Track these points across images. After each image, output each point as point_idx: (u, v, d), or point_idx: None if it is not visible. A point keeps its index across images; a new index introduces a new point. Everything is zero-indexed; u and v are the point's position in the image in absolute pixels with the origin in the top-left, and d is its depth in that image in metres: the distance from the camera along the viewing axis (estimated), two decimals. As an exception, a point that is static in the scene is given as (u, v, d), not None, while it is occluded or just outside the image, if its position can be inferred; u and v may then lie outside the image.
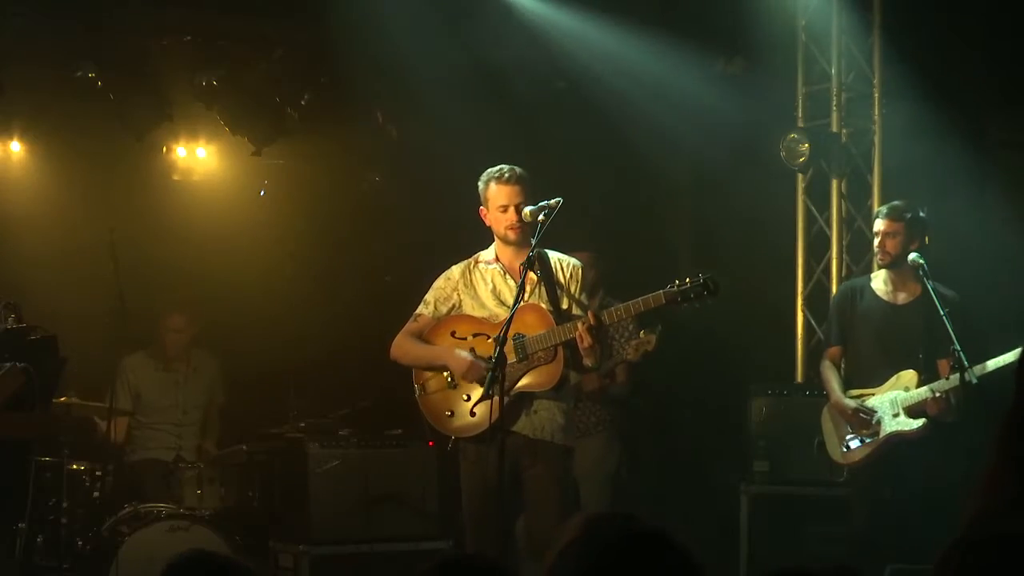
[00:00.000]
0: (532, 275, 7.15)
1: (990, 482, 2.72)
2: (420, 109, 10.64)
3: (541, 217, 7.05)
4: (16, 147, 10.99)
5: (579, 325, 6.90)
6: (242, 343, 10.82)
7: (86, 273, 9.85)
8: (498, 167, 7.32)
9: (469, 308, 7.35)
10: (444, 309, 7.39)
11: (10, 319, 7.74)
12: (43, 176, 10.96)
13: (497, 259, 7.39)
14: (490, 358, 6.82)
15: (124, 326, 9.06)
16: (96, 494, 9.05)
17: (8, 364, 7.65)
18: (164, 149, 11.41)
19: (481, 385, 6.92)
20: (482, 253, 7.47)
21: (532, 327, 7.10)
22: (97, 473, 9.08)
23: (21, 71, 10.04)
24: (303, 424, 9.84)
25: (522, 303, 6.99)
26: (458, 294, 7.38)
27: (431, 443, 9.34)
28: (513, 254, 7.31)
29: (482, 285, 7.36)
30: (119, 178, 11.04)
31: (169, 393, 10.26)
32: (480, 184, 7.36)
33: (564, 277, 7.34)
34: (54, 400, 8.64)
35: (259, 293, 11.08)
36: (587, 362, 7.12)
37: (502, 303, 7.26)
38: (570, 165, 10.00)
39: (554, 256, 7.38)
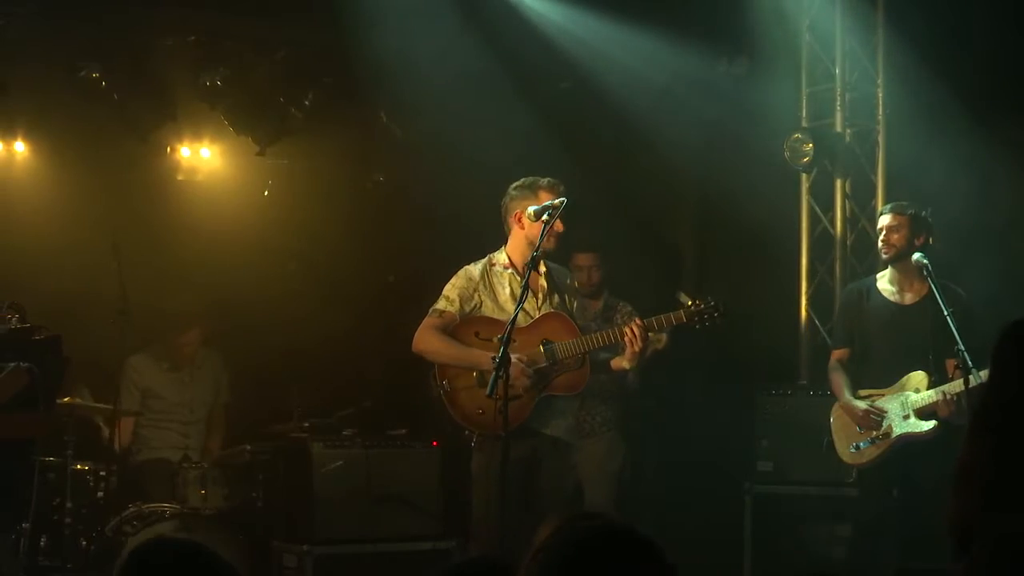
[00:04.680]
0: (543, 282, 7.48)
1: (965, 470, 2.72)
2: (424, 109, 10.65)
3: (545, 217, 7.14)
4: (20, 147, 10.97)
5: (630, 330, 7.29)
6: (246, 343, 10.82)
7: (90, 273, 9.83)
8: (541, 178, 7.52)
9: (489, 310, 7.54)
10: (468, 308, 7.54)
11: (14, 319, 7.72)
12: (47, 176, 10.94)
13: (511, 263, 7.57)
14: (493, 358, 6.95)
15: (128, 326, 9.06)
16: (100, 494, 9.05)
17: (12, 364, 7.63)
18: (168, 149, 11.39)
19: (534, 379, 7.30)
20: (495, 255, 7.64)
21: (559, 334, 7.41)
22: (101, 473, 9.08)
23: (25, 71, 10.04)
24: (307, 424, 9.84)
25: (547, 311, 7.49)
26: (479, 295, 7.55)
27: (435, 443, 9.36)
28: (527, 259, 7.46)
29: (500, 288, 7.57)
30: (123, 178, 11.02)
31: (176, 392, 10.25)
32: (524, 191, 7.52)
33: (563, 284, 7.69)
34: (58, 400, 8.62)
35: (263, 293, 11.07)
36: (629, 364, 7.53)
37: (521, 308, 7.34)
38: (574, 165, 9.98)
39: (554, 266, 7.67)
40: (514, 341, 7.25)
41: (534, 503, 7.50)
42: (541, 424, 7.46)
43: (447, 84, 10.12)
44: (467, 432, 7.58)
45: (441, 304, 7.55)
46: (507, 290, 7.55)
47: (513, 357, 7.19)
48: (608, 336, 7.41)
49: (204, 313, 10.41)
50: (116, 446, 9.23)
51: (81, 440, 8.99)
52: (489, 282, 7.58)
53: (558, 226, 7.38)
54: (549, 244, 7.42)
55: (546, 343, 7.40)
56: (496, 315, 7.50)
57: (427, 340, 7.54)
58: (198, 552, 2.77)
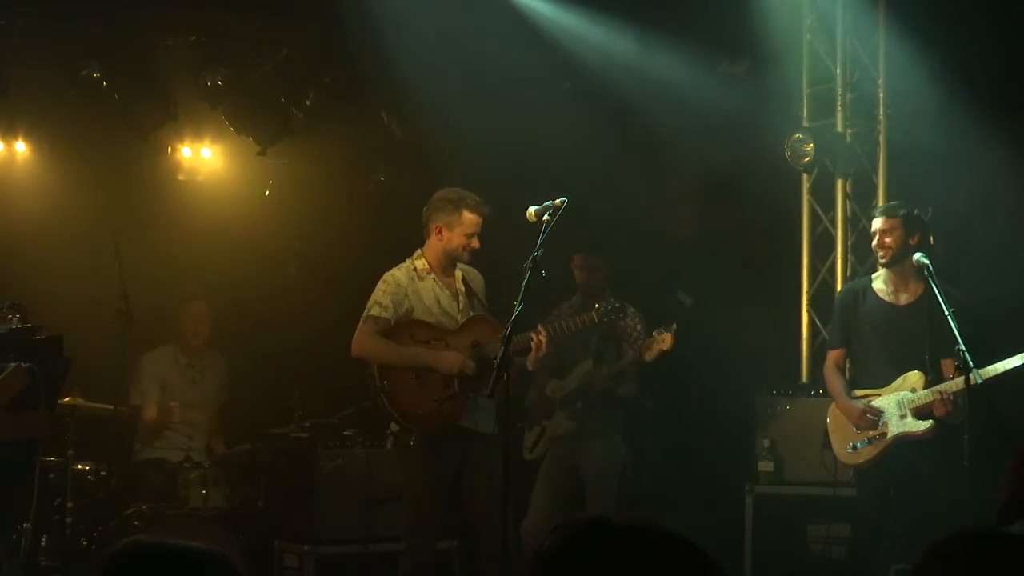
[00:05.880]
0: (460, 287, 7.88)
1: (1016, 473, 2.74)
2: (425, 109, 10.65)
3: (546, 217, 7.21)
4: (21, 147, 10.99)
5: (536, 336, 7.67)
6: (247, 343, 10.83)
7: (91, 273, 9.84)
8: (468, 194, 7.85)
9: (418, 314, 7.82)
10: (400, 312, 7.78)
11: (15, 319, 7.73)
12: (48, 176, 10.96)
13: (431, 268, 7.89)
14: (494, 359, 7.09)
15: (128, 325, 9.06)
16: (101, 494, 9.06)
17: (13, 364, 7.64)
18: (169, 149, 11.41)
19: (469, 379, 7.59)
20: (415, 260, 7.94)
21: (487, 336, 7.69)
22: (102, 473, 9.10)
23: (26, 71, 10.05)
24: (308, 424, 9.85)
25: (472, 314, 7.85)
26: (408, 300, 7.80)
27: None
28: (446, 266, 7.91)
29: (426, 293, 7.85)
30: (124, 178, 11.04)
31: (186, 391, 10.26)
32: (448, 205, 7.84)
33: (478, 287, 8.00)
34: (59, 400, 8.63)
35: (264, 293, 11.08)
36: (531, 366, 7.95)
37: (445, 311, 7.83)
38: (574, 165, 9.98)
39: (467, 269, 7.99)
40: (446, 343, 7.72)
41: (465, 501, 7.85)
42: (472, 423, 7.72)
43: (447, 84, 10.11)
44: (390, 431, 7.96)
45: (375, 311, 7.77)
46: (431, 294, 7.85)
47: (452, 353, 7.67)
48: (527, 339, 7.71)
49: (203, 289, 10.45)
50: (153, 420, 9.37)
51: (83, 440, 9.00)
52: (415, 287, 7.84)
53: (475, 243, 7.79)
54: (464, 257, 7.85)
55: (476, 345, 7.71)
56: (425, 318, 7.80)
57: (369, 345, 7.74)
58: (177, 554, 2.75)
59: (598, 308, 8.09)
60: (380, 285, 7.84)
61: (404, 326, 7.76)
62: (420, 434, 7.70)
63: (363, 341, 7.75)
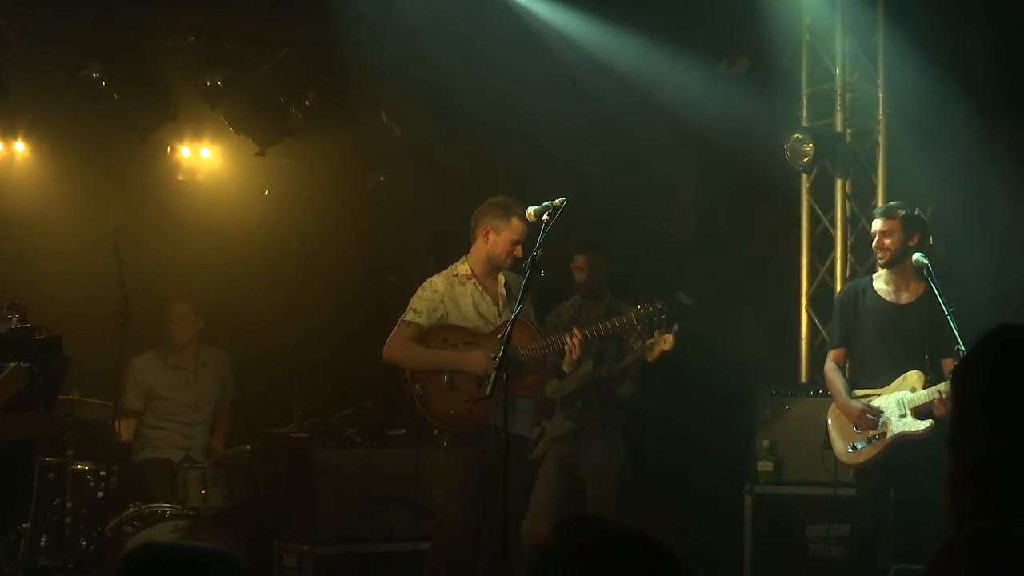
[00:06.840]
0: (501, 291, 7.97)
1: (952, 484, 2.74)
2: (424, 109, 10.65)
3: (545, 217, 7.26)
4: (20, 147, 11.00)
5: (570, 339, 7.91)
6: (247, 343, 10.82)
7: (90, 273, 9.83)
8: (517, 202, 7.82)
9: (454, 319, 7.91)
10: (435, 318, 7.89)
11: (14, 319, 7.74)
12: (47, 176, 10.96)
13: (473, 274, 7.98)
14: (494, 358, 7.14)
15: (128, 325, 9.05)
16: (100, 494, 9.05)
17: (12, 364, 7.64)
18: (168, 149, 11.42)
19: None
20: (458, 266, 8.04)
21: (520, 339, 7.67)
22: (101, 473, 9.08)
23: (26, 71, 10.04)
24: (308, 424, 9.85)
25: (507, 317, 7.72)
26: (444, 305, 7.91)
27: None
28: (489, 271, 8.00)
29: (463, 299, 7.94)
30: (123, 178, 11.03)
31: (180, 391, 10.21)
32: (499, 209, 7.90)
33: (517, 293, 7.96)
34: (59, 400, 8.62)
35: (263, 293, 11.09)
36: (566, 368, 8.48)
37: (482, 316, 7.93)
38: (574, 165, 9.98)
39: (509, 274, 8.05)
40: (479, 346, 7.77)
41: (495, 502, 7.79)
42: (507, 422, 7.66)
43: (447, 84, 10.12)
44: (436, 433, 8.00)
45: (409, 316, 7.90)
46: (469, 300, 7.95)
47: (479, 352, 7.74)
48: (559, 341, 7.93)
49: (191, 291, 10.42)
50: (118, 436, 9.29)
51: (82, 440, 8.99)
52: (453, 293, 7.93)
53: (518, 251, 7.82)
54: (506, 263, 7.92)
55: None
56: (461, 323, 7.91)
57: (400, 350, 7.89)
58: (190, 557, 2.76)
59: (639, 310, 8.17)
60: (418, 291, 7.96)
61: (438, 331, 7.88)
62: (452, 435, 7.83)
63: (392, 346, 7.90)
